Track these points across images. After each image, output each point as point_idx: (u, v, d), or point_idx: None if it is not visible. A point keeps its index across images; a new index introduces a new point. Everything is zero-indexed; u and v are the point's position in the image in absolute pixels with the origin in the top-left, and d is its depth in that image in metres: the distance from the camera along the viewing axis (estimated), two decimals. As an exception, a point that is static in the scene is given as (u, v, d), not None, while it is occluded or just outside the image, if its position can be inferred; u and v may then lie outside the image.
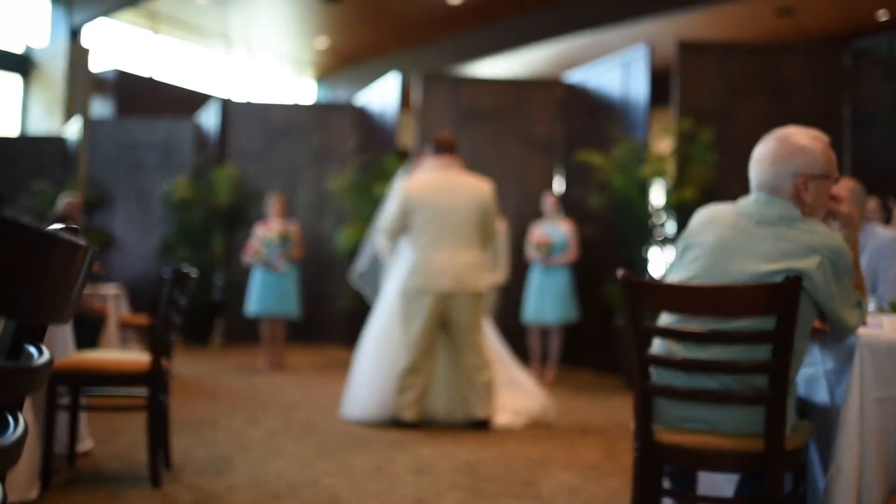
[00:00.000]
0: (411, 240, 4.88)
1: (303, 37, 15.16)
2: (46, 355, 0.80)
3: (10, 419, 0.77)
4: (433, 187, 4.88)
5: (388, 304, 5.06)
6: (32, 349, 0.79)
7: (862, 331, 2.26)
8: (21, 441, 0.75)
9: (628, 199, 6.95)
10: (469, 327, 4.82)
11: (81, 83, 12.66)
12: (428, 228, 4.79)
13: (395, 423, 4.74)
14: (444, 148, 5.04)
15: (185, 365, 7.33)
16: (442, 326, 4.85)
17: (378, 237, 5.13)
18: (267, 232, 7.28)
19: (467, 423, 4.82)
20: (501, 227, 7.41)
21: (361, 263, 5.67)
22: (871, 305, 2.57)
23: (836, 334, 2.18)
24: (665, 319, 2.27)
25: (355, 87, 15.93)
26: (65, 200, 7.65)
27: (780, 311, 2.03)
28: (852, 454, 2.10)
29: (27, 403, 2.82)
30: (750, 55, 7.46)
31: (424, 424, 4.78)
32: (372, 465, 3.74)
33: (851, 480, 2.08)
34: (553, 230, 7.16)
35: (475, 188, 4.93)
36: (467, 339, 4.82)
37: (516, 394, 5.08)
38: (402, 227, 4.87)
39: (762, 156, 2.25)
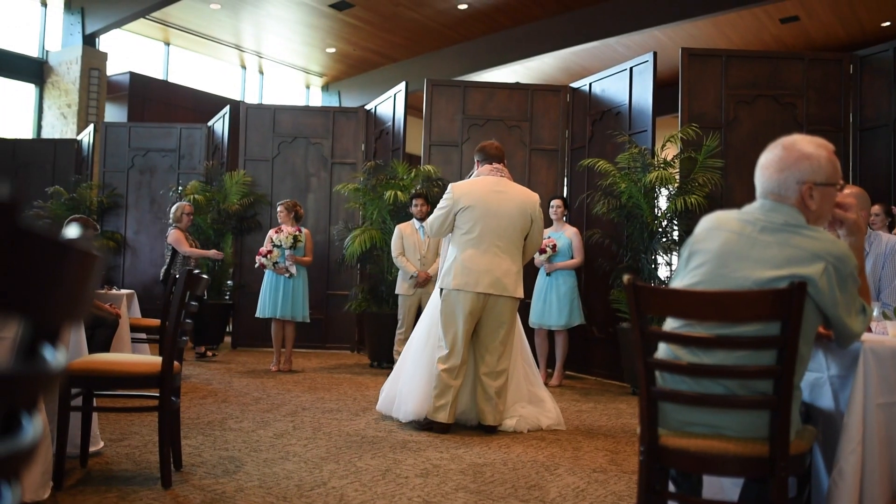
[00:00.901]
0: (455, 239, 4.91)
1: (313, 44, 15.24)
2: (62, 357, 0.82)
3: (26, 420, 0.77)
4: (483, 189, 4.91)
5: (432, 306, 5.14)
6: (48, 351, 0.81)
7: (866, 337, 2.28)
8: (36, 442, 0.76)
9: (634, 205, 6.98)
10: (497, 332, 4.83)
11: (95, 88, 12.76)
12: (474, 229, 4.82)
13: (427, 424, 4.77)
14: (494, 156, 5.08)
15: (194, 367, 7.38)
16: (473, 327, 4.87)
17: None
18: (279, 235, 7.39)
19: (475, 425, 4.88)
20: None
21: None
22: (876, 311, 2.59)
23: (840, 340, 2.19)
24: (670, 324, 2.29)
25: (364, 94, 16.01)
26: (179, 204, 7.91)
27: (784, 317, 2.05)
28: (855, 459, 2.12)
29: (40, 405, 2.86)
30: (755, 63, 7.48)
31: (453, 427, 4.83)
32: (380, 468, 3.77)
33: (854, 485, 2.10)
34: (559, 236, 7.20)
35: (524, 196, 4.97)
36: (493, 342, 4.84)
37: (535, 409, 5.06)
38: (448, 227, 4.91)
39: (767, 163, 2.27)
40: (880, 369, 2.17)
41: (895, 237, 3.84)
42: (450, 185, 5.01)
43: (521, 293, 4.92)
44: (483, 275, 4.76)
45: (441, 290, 4.91)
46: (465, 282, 4.76)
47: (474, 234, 4.82)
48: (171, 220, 8.01)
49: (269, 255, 7.37)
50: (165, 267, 7.84)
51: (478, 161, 5.15)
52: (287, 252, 7.40)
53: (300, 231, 7.53)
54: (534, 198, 5.00)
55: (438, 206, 4.98)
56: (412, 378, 4.97)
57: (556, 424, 5.02)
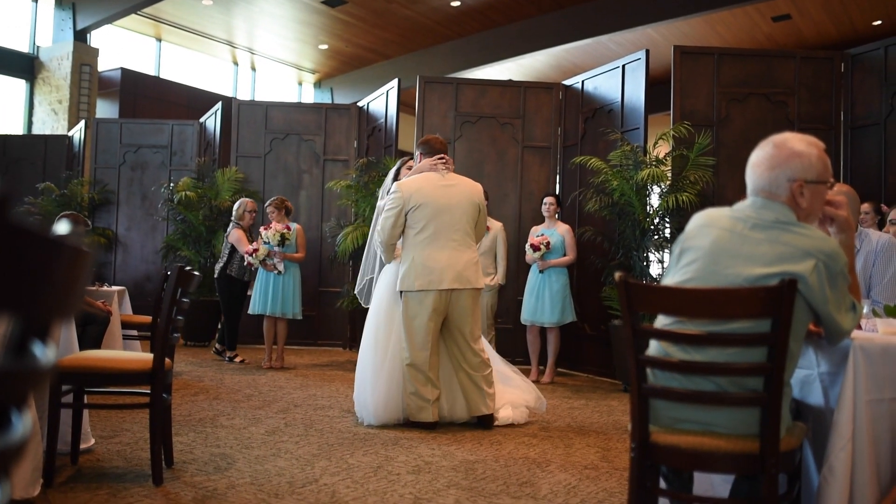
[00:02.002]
0: (408, 239, 4.87)
1: (306, 40, 15.21)
2: (51, 353, 0.81)
3: (16, 417, 0.77)
4: (430, 185, 4.88)
5: (378, 308, 5.04)
6: (37, 347, 0.80)
7: (856, 334, 2.29)
8: (26, 439, 0.75)
9: (626, 202, 7.00)
10: (469, 324, 4.84)
11: (86, 84, 12.71)
12: (428, 227, 4.79)
13: (411, 424, 4.75)
14: (438, 149, 5.07)
15: (187, 364, 7.37)
16: (440, 324, 4.86)
17: (378, 245, 5.02)
18: (267, 232, 7.34)
19: (471, 420, 4.88)
20: (500, 230, 7.46)
21: (360, 283, 5.53)
22: (866, 309, 2.60)
23: (830, 337, 2.20)
24: (661, 321, 2.30)
25: (357, 90, 15.99)
26: (242, 201, 7.81)
27: (775, 314, 2.05)
28: (845, 455, 2.13)
29: (30, 401, 2.85)
30: (747, 61, 7.50)
31: (445, 425, 4.81)
32: (371, 464, 3.77)
33: (844, 481, 2.11)
34: (551, 233, 7.21)
35: (469, 186, 4.98)
36: (468, 336, 4.84)
37: (509, 387, 5.12)
38: (400, 227, 4.86)
39: (758, 160, 2.28)
40: (870, 366, 2.18)
41: (886, 235, 3.86)
42: (394, 185, 4.96)
43: (482, 283, 4.94)
44: (445, 271, 4.75)
45: (401, 292, 4.83)
46: (429, 280, 4.74)
47: (429, 231, 4.80)
48: (233, 217, 7.88)
49: (255, 254, 7.34)
50: (222, 264, 7.73)
51: (420, 154, 5.12)
52: (276, 249, 7.35)
53: (289, 228, 7.48)
54: (479, 187, 5.04)
55: (386, 208, 4.89)
56: (375, 382, 4.85)
57: (538, 402, 5.11)
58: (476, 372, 4.83)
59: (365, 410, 4.85)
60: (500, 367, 5.24)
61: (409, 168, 5.29)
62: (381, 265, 5.22)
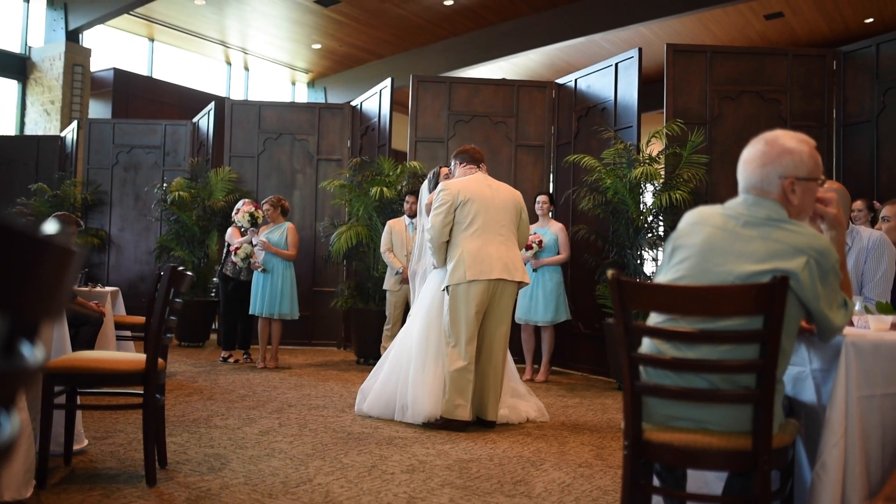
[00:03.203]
0: (456, 235, 4.93)
1: (299, 40, 15.19)
2: (40, 353, 0.81)
3: (4, 418, 0.76)
4: (476, 184, 5.01)
5: (430, 306, 5.07)
6: (26, 347, 0.80)
7: (848, 330, 2.30)
8: (13, 440, 0.75)
9: (619, 200, 7.00)
10: (501, 324, 4.91)
11: (79, 84, 12.68)
12: (476, 221, 4.88)
13: (444, 424, 4.75)
14: (477, 158, 5.20)
15: (180, 364, 7.35)
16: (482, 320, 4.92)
17: (429, 245, 5.04)
18: (237, 216, 7.43)
19: (472, 419, 4.88)
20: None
21: (415, 263, 5.76)
22: (858, 305, 2.61)
23: (822, 334, 2.21)
24: (654, 319, 2.30)
25: (350, 90, 15.98)
26: (242, 200, 7.72)
27: (767, 311, 2.06)
28: (837, 452, 2.13)
29: (21, 402, 2.84)
30: (739, 59, 7.52)
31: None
32: (366, 464, 3.77)
33: (836, 478, 2.12)
34: (545, 232, 7.22)
35: (512, 192, 5.12)
36: (498, 334, 4.90)
37: (518, 401, 5.18)
38: (450, 224, 4.92)
39: (750, 158, 2.28)
40: (861, 363, 2.19)
41: (877, 232, 3.87)
42: (441, 185, 5.06)
43: (527, 278, 5.05)
44: (495, 262, 4.84)
45: (447, 287, 4.88)
46: (480, 270, 4.80)
47: (477, 224, 4.89)
48: (232, 217, 7.93)
49: (236, 252, 7.36)
50: (221, 264, 7.83)
51: (459, 163, 5.24)
52: (255, 241, 7.37)
53: (258, 208, 7.54)
54: (519, 194, 5.16)
55: (434, 206, 4.97)
56: (422, 379, 4.90)
57: (541, 416, 5.14)
58: (495, 374, 4.89)
59: (409, 407, 4.86)
60: (514, 384, 5.29)
61: (445, 176, 5.46)
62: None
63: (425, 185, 5.63)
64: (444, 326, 4.89)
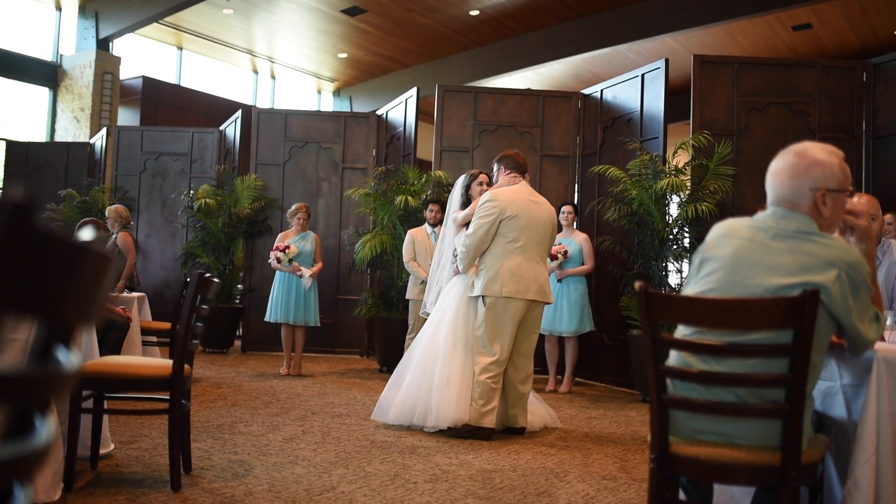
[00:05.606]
0: (498, 247, 4.90)
1: (325, 49, 15.30)
2: (75, 359, 0.82)
3: (39, 422, 0.77)
4: (523, 198, 4.99)
5: (457, 312, 5.07)
6: (61, 353, 0.81)
7: (879, 346, 2.26)
8: (49, 444, 0.76)
9: (645, 211, 6.97)
10: (531, 337, 5.02)
11: (108, 92, 12.85)
12: (520, 237, 4.89)
13: (469, 431, 4.76)
14: (522, 167, 5.18)
15: (205, 370, 7.40)
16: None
17: (463, 252, 4.98)
18: (285, 254, 7.43)
19: (503, 428, 4.93)
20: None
21: (430, 292, 5.58)
22: (889, 320, 2.57)
23: (853, 348, 2.18)
24: (682, 332, 2.28)
25: (376, 99, 16.06)
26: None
27: (797, 325, 2.03)
28: (869, 469, 2.10)
29: (53, 406, 2.87)
30: (767, 70, 7.46)
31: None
32: (389, 473, 3.76)
33: (868, 495, 2.09)
34: (569, 242, 7.19)
35: (550, 208, 5.15)
36: (528, 348, 5.01)
37: (533, 408, 5.23)
38: (493, 235, 4.90)
39: (779, 170, 2.26)
40: (893, 378, 2.16)
41: (908, 246, 3.81)
42: (488, 193, 4.98)
43: (552, 299, 5.16)
44: (531, 282, 4.87)
45: (484, 297, 4.88)
46: (517, 289, 4.83)
47: (520, 242, 4.89)
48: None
49: (287, 250, 7.39)
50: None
51: (504, 168, 5.17)
52: (304, 274, 7.44)
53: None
54: (553, 210, 5.23)
55: (480, 215, 4.91)
56: (448, 384, 4.90)
57: (553, 422, 5.27)
58: (524, 385, 4.97)
59: (431, 412, 4.86)
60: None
61: (481, 183, 5.33)
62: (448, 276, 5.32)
63: (458, 190, 5.42)
64: (478, 335, 4.90)
